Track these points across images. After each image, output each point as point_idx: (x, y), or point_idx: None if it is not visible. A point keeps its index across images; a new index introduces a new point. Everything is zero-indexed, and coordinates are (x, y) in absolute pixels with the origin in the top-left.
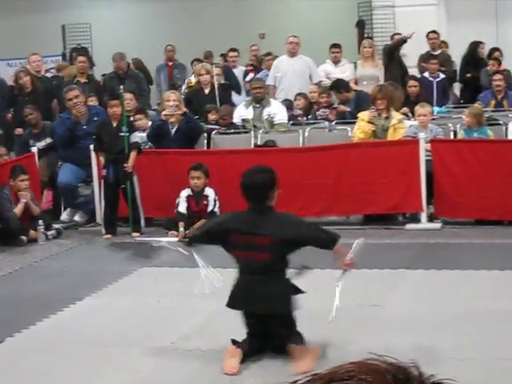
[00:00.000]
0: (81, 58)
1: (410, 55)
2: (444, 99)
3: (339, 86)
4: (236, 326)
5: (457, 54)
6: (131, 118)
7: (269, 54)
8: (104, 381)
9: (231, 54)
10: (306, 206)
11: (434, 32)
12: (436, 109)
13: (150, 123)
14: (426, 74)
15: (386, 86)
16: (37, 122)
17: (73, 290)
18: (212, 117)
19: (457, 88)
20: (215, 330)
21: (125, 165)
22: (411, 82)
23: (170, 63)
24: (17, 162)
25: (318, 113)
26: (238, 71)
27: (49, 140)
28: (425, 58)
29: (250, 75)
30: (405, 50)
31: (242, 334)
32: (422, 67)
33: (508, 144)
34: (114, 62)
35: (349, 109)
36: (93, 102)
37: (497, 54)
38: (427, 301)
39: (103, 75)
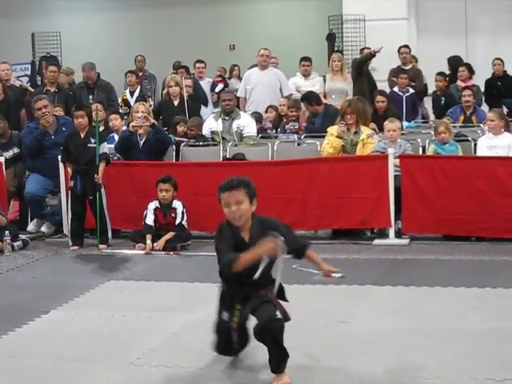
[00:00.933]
0: (52, 68)
1: (381, 69)
2: (413, 114)
3: (310, 98)
4: (203, 341)
5: (426, 69)
6: (101, 129)
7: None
8: None
9: (198, 65)
10: None
11: (405, 46)
12: (405, 123)
13: (124, 127)
14: (396, 89)
15: (355, 101)
16: (4, 131)
17: (39, 302)
18: (180, 129)
19: (428, 102)
20: (182, 345)
21: (95, 176)
22: (379, 98)
23: (140, 73)
24: None
25: (287, 126)
26: (205, 83)
27: (16, 150)
28: (395, 73)
29: (220, 86)
30: (375, 64)
31: (209, 349)
32: (392, 81)
33: (476, 161)
34: (83, 71)
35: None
36: (58, 112)
37: (462, 68)
38: (394, 318)
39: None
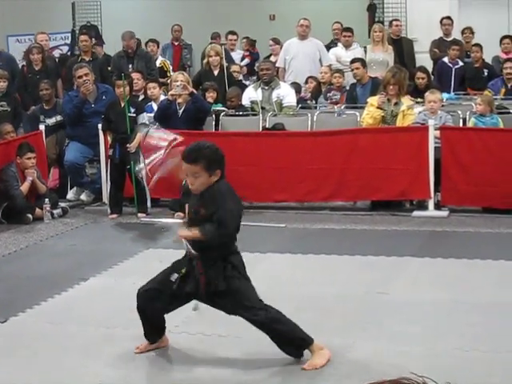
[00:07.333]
0: (82, 37)
1: (422, 41)
2: (461, 87)
3: (365, 61)
4: None
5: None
6: (140, 98)
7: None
8: (107, 363)
9: (230, 37)
10: (313, 191)
11: (447, 18)
12: (445, 95)
13: (162, 96)
14: (446, 60)
15: (399, 72)
16: (50, 98)
17: (78, 269)
18: (209, 95)
19: None
20: (221, 313)
21: (127, 145)
22: (419, 74)
23: (176, 43)
24: (24, 139)
25: (328, 94)
26: (236, 55)
27: (59, 117)
28: (437, 44)
29: (246, 60)
30: (416, 35)
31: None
32: (434, 53)
33: None
34: (123, 40)
35: None
36: None
37: (506, 41)
38: (433, 290)
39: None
